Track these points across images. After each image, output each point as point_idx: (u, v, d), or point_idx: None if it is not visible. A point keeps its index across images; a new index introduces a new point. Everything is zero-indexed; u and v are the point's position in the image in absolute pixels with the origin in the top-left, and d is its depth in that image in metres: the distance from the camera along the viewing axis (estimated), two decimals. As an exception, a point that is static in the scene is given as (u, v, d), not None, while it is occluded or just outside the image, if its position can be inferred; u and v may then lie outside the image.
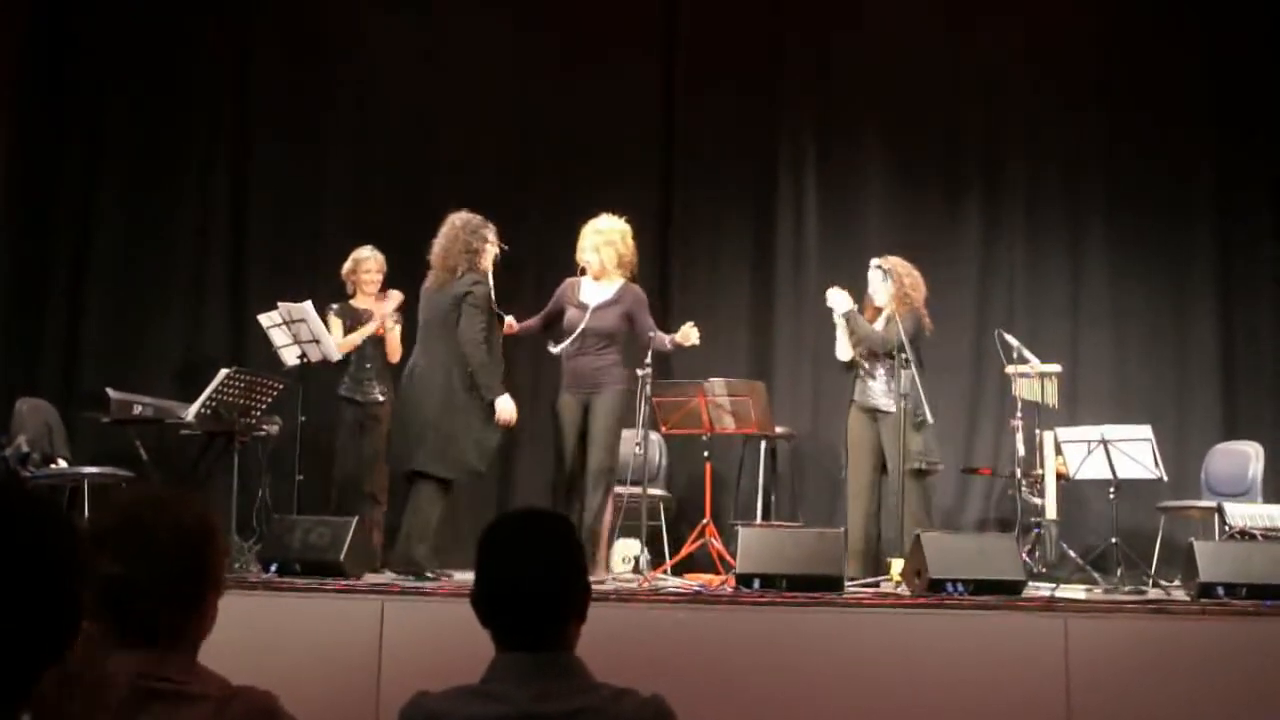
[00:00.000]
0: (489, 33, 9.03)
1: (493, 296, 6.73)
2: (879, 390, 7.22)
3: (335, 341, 7.50)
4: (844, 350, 7.33)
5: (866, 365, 7.27)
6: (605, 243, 6.98)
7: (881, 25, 8.95)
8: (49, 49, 9.09)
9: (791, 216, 9.01)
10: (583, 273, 7.07)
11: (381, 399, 7.58)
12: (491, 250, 6.79)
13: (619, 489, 6.96)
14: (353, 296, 7.78)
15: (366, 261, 7.71)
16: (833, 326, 7.34)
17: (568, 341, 6.91)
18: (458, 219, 6.79)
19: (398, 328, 7.61)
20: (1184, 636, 5.37)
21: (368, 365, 7.65)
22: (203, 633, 2.13)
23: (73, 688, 1.73)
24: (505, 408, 6.64)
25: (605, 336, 6.91)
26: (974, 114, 9.01)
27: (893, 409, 7.04)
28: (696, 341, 6.96)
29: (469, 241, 6.70)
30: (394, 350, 7.60)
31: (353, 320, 7.67)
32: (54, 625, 1.36)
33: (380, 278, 7.75)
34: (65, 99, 9.13)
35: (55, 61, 9.12)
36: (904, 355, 6.90)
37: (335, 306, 7.71)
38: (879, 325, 7.23)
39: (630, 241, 7.03)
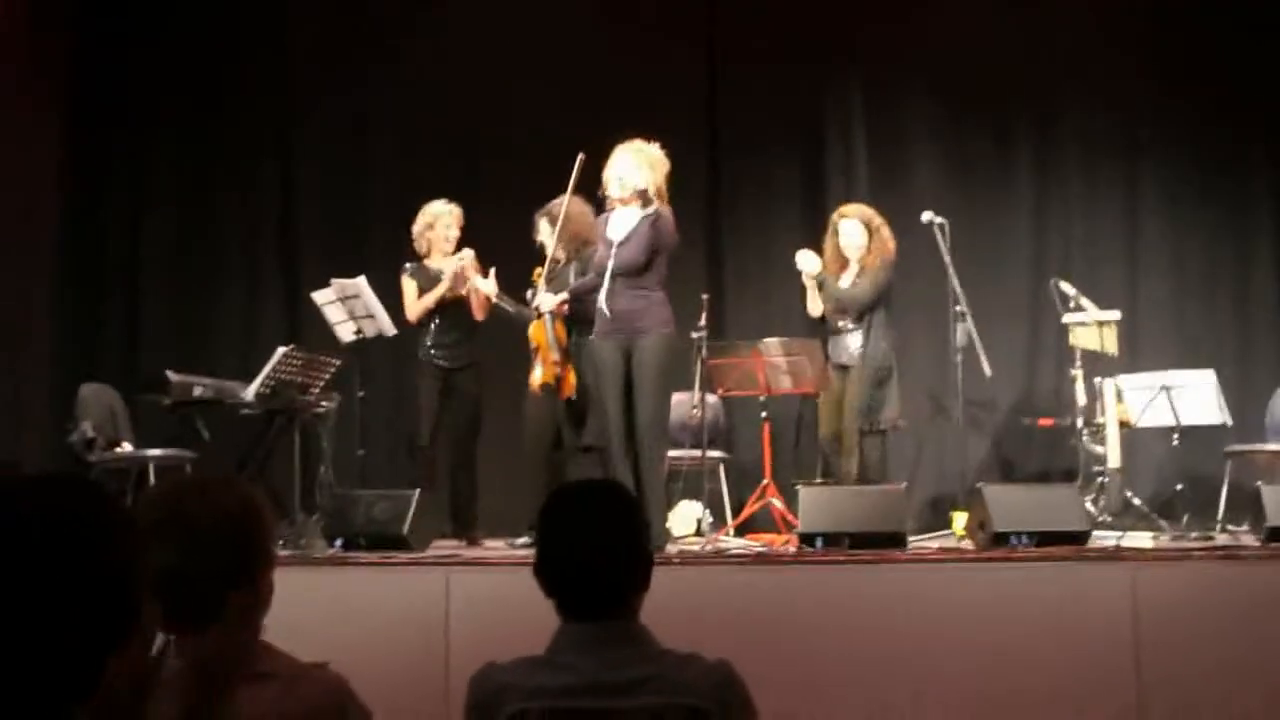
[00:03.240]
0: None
1: None
2: (851, 345, 7.26)
3: (409, 303, 7.27)
4: (815, 307, 7.37)
5: (839, 322, 7.32)
6: (650, 163, 6.39)
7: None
8: (99, 38, 9.15)
9: (841, 171, 8.92)
10: (609, 206, 6.53)
11: (466, 363, 7.31)
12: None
13: (677, 452, 6.92)
14: (425, 256, 7.41)
15: (444, 217, 7.34)
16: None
17: (602, 283, 6.37)
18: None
19: (485, 283, 7.22)
20: (1253, 581, 5.30)
21: (450, 328, 7.32)
22: (262, 611, 2.14)
23: (141, 678, 1.74)
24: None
25: (636, 274, 6.27)
26: (1024, 61, 8.85)
27: (855, 363, 7.19)
28: None
29: None
30: (479, 308, 7.25)
31: (427, 281, 7.32)
32: (113, 619, 1.37)
33: (458, 233, 7.38)
34: (116, 86, 9.20)
35: (105, 50, 9.18)
36: (959, 308, 6.83)
37: (409, 267, 7.38)
38: (848, 279, 7.28)
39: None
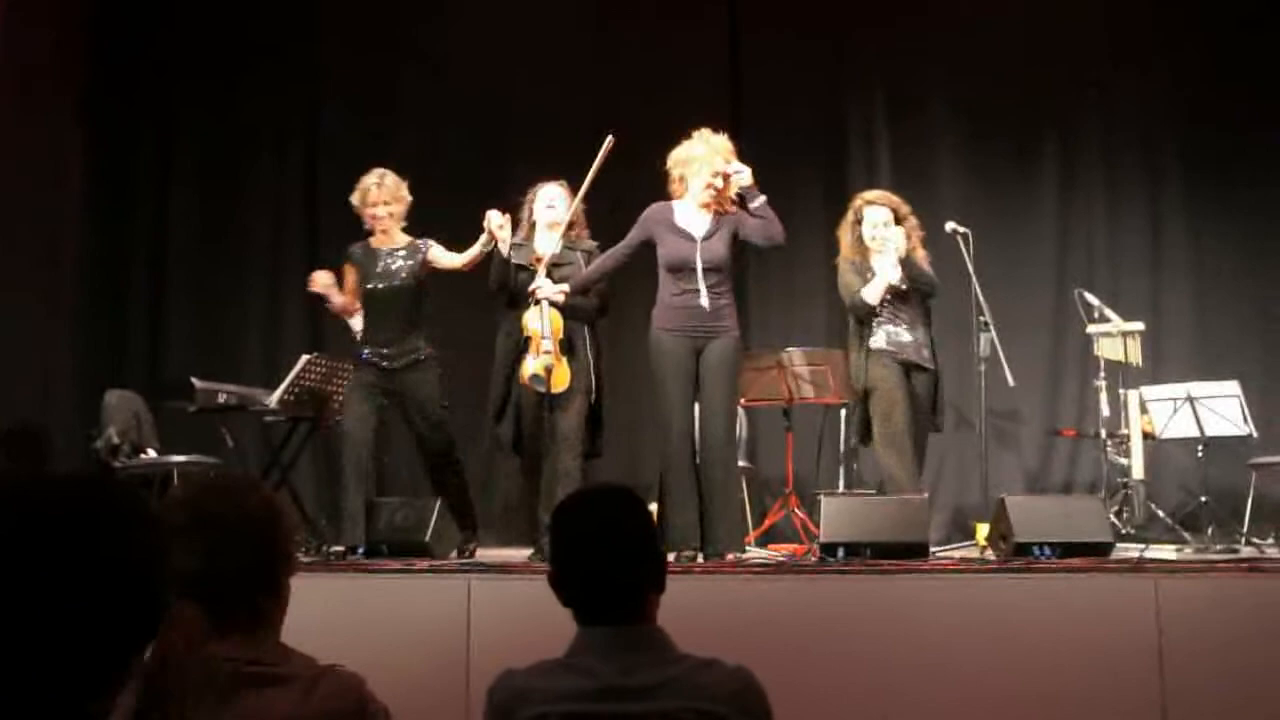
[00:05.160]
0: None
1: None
2: (919, 341, 6.69)
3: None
4: (875, 293, 6.65)
5: (891, 311, 6.70)
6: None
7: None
8: (117, 39, 9.20)
9: (863, 180, 8.91)
10: (675, 195, 6.31)
11: (403, 361, 6.55)
12: None
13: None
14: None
15: (368, 189, 6.67)
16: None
17: (672, 278, 6.15)
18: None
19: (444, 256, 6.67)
20: (1278, 594, 5.26)
21: (382, 319, 6.63)
22: (282, 613, 2.15)
23: (179, 675, 1.76)
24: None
25: (719, 271, 6.15)
26: (1047, 70, 8.86)
27: (929, 366, 6.69)
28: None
29: None
30: (454, 261, 6.65)
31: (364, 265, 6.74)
32: (137, 617, 1.39)
33: (384, 205, 6.63)
34: (136, 91, 9.25)
35: (124, 52, 9.23)
36: (982, 318, 6.77)
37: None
38: (894, 270, 6.61)
39: None
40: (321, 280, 6.69)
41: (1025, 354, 7.92)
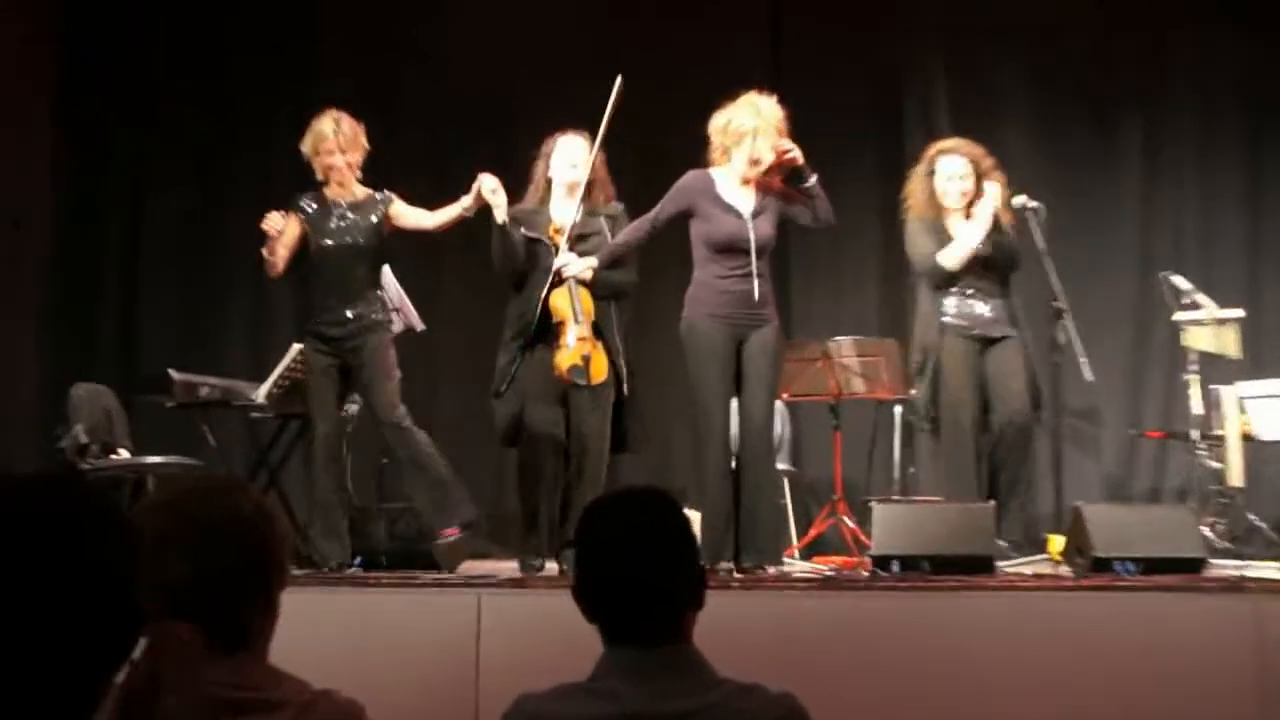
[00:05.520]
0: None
1: None
2: (996, 311, 6.66)
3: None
4: (956, 256, 6.57)
5: (968, 280, 6.63)
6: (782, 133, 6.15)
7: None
8: (96, 25, 9.29)
9: (922, 151, 8.89)
10: (710, 162, 6.23)
11: (356, 327, 6.42)
12: None
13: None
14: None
15: (325, 139, 6.54)
16: None
17: (716, 258, 6.07)
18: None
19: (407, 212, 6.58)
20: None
21: (335, 281, 6.50)
22: (271, 629, 2.14)
23: (166, 698, 1.76)
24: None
25: (765, 254, 6.09)
26: (1128, 33, 8.81)
27: (1011, 333, 6.65)
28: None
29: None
30: (422, 221, 6.58)
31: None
32: (112, 630, 1.38)
33: (339, 161, 6.53)
34: (115, 75, 9.32)
35: (102, 38, 9.32)
36: (1056, 304, 6.68)
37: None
38: (978, 233, 6.56)
39: None
40: (274, 223, 6.49)
41: (1105, 346, 7.88)
